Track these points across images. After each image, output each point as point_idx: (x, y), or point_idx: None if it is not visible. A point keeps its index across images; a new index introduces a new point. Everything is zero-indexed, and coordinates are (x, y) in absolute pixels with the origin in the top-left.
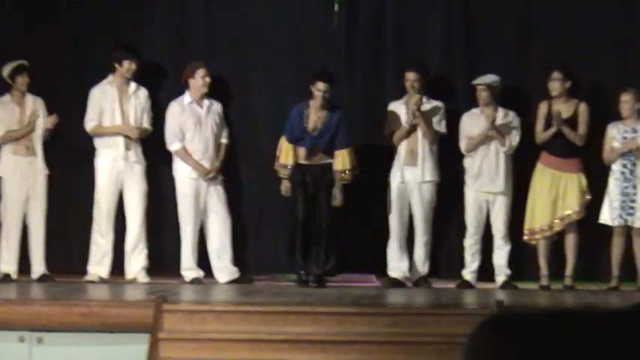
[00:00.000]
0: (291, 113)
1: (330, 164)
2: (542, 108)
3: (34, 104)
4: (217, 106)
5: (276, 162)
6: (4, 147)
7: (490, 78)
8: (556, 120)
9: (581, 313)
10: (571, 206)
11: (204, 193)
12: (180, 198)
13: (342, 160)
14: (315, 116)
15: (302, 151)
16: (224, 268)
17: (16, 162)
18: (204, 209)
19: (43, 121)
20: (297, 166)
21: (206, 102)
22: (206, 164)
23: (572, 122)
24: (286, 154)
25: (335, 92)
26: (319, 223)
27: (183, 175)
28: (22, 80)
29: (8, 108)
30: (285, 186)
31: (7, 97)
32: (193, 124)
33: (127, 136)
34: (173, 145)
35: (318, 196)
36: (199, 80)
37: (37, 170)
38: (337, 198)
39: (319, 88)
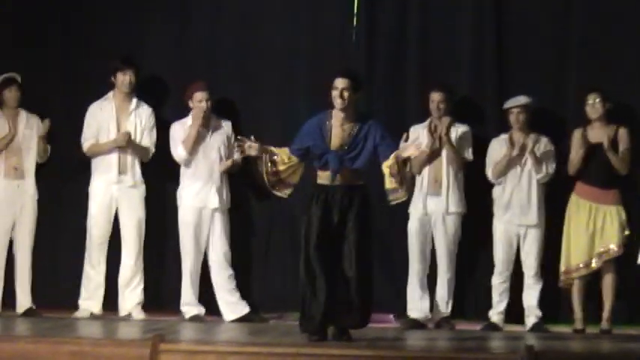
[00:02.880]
0: (307, 123)
1: (362, 186)
2: (578, 136)
3: (28, 122)
4: (226, 127)
5: (269, 176)
6: None
7: (524, 99)
8: (605, 149)
9: None
10: (610, 242)
11: (208, 222)
12: (181, 227)
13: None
14: (339, 130)
15: (323, 172)
16: (230, 304)
17: (3, 185)
18: (206, 241)
19: (36, 137)
20: (316, 186)
21: (213, 122)
22: (211, 189)
23: (612, 149)
24: (292, 170)
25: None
26: (347, 259)
27: (187, 204)
28: (10, 95)
29: None
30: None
31: None
32: (197, 146)
33: (122, 157)
34: (178, 153)
35: (345, 225)
36: (197, 104)
37: (26, 194)
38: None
39: (336, 85)
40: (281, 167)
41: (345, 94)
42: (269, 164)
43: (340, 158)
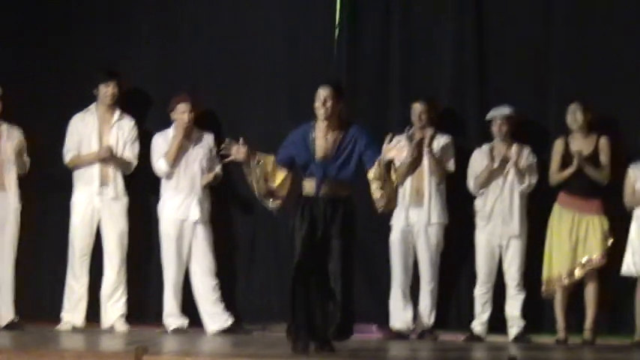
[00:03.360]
0: (292, 133)
1: (347, 196)
2: (559, 146)
3: (9, 134)
4: (208, 139)
5: (260, 184)
6: None
7: (507, 110)
8: (577, 159)
9: None
10: (592, 252)
11: (189, 234)
12: (163, 239)
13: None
14: (323, 140)
15: (308, 182)
16: (213, 315)
17: None
18: (188, 252)
19: (14, 150)
20: (300, 197)
21: (194, 135)
22: (193, 202)
23: (593, 159)
24: (280, 180)
25: None
26: (331, 272)
27: (168, 217)
28: None
29: None
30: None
31: None
32: (179, 158)
33: (103, 169)
34: (158, 166)
35: (329, 237)
36: (179, 116)
37: (9, 206)
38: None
39: (319, 95)
40: (270, 174)
41: (328, 103)
42: (257, 171)
43: (325, 168)
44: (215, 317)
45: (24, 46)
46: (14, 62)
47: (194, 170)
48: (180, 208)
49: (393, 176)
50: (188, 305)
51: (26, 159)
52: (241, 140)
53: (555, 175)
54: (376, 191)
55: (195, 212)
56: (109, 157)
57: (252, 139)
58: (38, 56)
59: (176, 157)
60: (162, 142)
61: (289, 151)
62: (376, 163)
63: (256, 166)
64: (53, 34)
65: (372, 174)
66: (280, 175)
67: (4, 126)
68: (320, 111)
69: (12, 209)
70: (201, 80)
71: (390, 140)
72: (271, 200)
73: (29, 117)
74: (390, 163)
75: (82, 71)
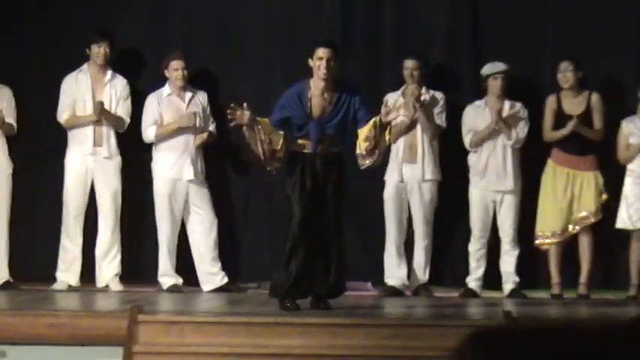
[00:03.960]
0: (286, 94)
1: (339, 153)
2: (551, 103)
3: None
4: (201, 97)
5: (264, 147)
6: None
7: (502, 66)
8: (573, 125)
9: (580, 329)
10: (587, 208)
11: (183, 193)
12: (157, 198)
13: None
14: (319, 99)
15: (303, 141)
16: (209, 275)
17: None
18: (186, 209)
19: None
20: (296, 155)
21: (188, 94)
22: (186, 161)
23: (585, 117)
24: (280, 141)
25: None
26: (326, 227)
27: (161, 176)
28: None
29: None
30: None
31: None
32: (172, 117)
33: (97, 129)
34: (147, 134)
35: (325, 195)
36: (173, 73)
37: (0, 167)
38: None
39: (320, 55)
40: (272, 138)
41: (331, 63)
42: (261, 134)
43: (321, 127)
44: (210, 277)
45: (16, 6)
46: (5, 21)
47: (187, 129)
48: (173, 168)
49: (387, 136)
50: (182, 265)
51: (9, 124)
52: (245, 105)
53: (548, 134)
54: (360, 149)
55: (189, 172)
56: (99, 113)
57: (245, 98)
58: (29, 17)
59: (169, 116)
60: (156, 106)
61: (284, 112)
62: (371, 122)
63: (259, 129)
64: None
65: (363, 133)
66: (278, 137)
67: None
68: (322, 71)
69: (3, 170)
70: (195, 39)
71: (387, 103)
72: (274, 162)
73: (20, 78)
74: (385, 127)
75: (74, 31)
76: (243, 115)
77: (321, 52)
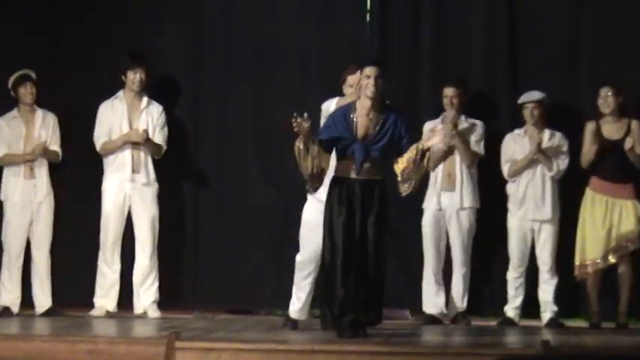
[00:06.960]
0: (333, 113)
1: (381, 181)
2: (590, 129)
3: (45, 120)
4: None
5: (314, 164)
6: (6, 168)
7: (539, 95)
8: (627, 150)
9: (619, 358)
10: (626, 236)
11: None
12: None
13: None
14: (365, 119)
15: (349, 164)
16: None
17: (19, 184)
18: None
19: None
20: (339, 181)
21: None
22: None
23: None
24: (327, 160)
25: None
26: (365, 257)
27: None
28: (25, 92)
29: (13, 125)
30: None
31: (13, 113)
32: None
33: (135, 156)
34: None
35: (366, 222)
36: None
37: (42, 193)
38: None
39: (368, 73)
40: (322, 157)
41: (379, 81)
42: (315, 152)
43: (366, 148)
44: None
45: (53, 33)
46: (43, 49)
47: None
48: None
49: (426, 163)
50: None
51: (56, 151)
52: (305, 115)
53: (588, 159)
54: (400, 175)
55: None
56: (143, 140)
57: (282, 124)
58: (67, 43)
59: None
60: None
61: (331, 132)
62: (411, 149)
63: (313, 148)
64: (82, 19)
65: (403, 159)
66: (327, 157)
67: (39, 112)
68: (370, 89)
69: (46, 195)
70: (231, 65)
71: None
72: (317, 183)
73: (61, 103)
74: (425, 154)
75: (111, 57)
76: (303, 124)
77: (369, 70)
